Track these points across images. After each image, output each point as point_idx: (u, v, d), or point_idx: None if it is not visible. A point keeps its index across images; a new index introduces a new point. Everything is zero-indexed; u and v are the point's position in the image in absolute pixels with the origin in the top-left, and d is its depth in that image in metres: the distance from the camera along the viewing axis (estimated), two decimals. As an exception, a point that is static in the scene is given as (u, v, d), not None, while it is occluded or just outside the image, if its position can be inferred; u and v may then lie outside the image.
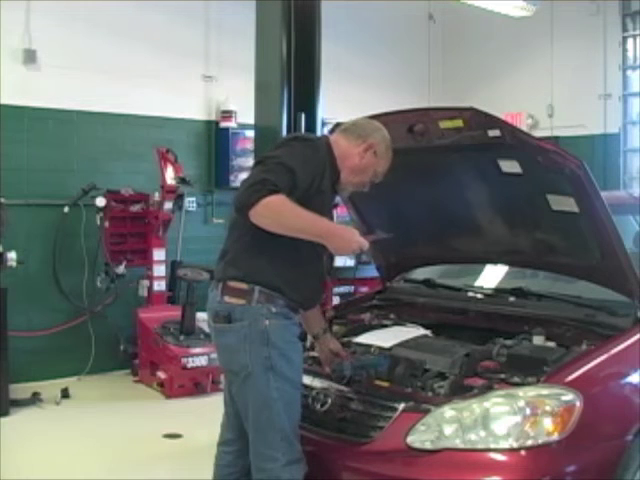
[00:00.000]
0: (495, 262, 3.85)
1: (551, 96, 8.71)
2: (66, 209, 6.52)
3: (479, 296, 3.73)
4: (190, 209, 7.38)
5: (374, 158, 3.04)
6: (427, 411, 2.80)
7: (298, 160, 2.80)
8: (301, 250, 2.85)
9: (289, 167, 2.75)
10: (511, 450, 2.64)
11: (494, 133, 3.06)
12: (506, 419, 2.69)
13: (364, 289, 6.70)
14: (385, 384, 3.07)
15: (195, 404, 5.94)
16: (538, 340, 3.14)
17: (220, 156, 7.64)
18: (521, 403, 2.70)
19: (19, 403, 5.74)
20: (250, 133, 6.48)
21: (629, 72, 8.50)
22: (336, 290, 7.20)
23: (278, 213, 2.70)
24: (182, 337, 6.31)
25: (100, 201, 6.49)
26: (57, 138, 6.65)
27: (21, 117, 6.41)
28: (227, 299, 2.89)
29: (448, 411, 2.76)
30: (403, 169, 3.22)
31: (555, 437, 2.64)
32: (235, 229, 2.97)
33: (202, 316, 6.50)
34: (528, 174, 3.15)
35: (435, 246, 3.86)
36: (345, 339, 3.46)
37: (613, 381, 2.96)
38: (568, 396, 2.71)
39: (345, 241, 2.80)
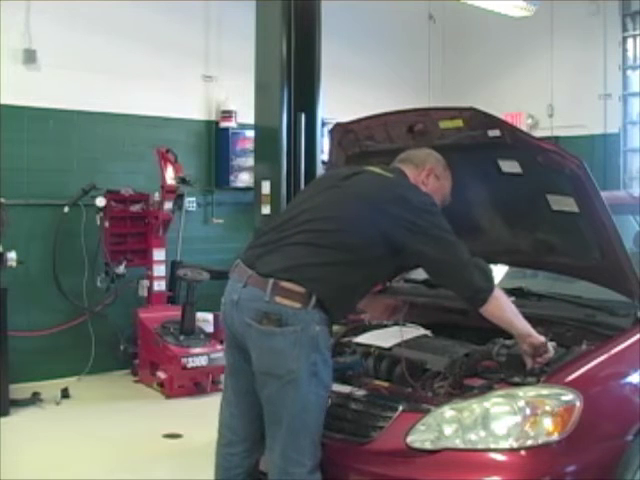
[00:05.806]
0: (495, 262, 3.84)
1: (551, 96, 8.70)
2: (66, 209, 6.50)
3: (479, 296, 3.72)
4: (190, 209, 7.36)
5: (437, 181, 3.12)
6: (427, 411, 2.79)
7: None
8: (372, 283, 3.07)
9: None
10: (511, 450, 2.64)
11: (494, 133, 3.06)
12: (506, 419, 2.68)
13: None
14: (385, 384, 3.07)
15: (195, 404, 5.93)
16: (538, 340, 3.14)
17: (220, 156, 7.63)
18: (521, 403, 2.70)
19: (19, 403, 5.73)
20: (250, 133, 6.47)
21: (629, 72, 8.48)
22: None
23: (506, 308, 2.94)
24: (182, 337, 6.30)
25: (100, 201, 6.48)
26: (57, 138, 6.64)
27: (21, 117, 6.40)
28: (279, 300, 2.76)
29: (448, 411, 2.76)
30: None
31: (555, 437, 2.64)
32: (303, 234, 2.88)
33: (202, 316, 6.52)
34: (528, 174, 3.15)
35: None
36: (345, 339, 3.46)
37: (613, 381, 2.96)
38: (568, 396, 2.71)
39: (536, 348, 2.93)
